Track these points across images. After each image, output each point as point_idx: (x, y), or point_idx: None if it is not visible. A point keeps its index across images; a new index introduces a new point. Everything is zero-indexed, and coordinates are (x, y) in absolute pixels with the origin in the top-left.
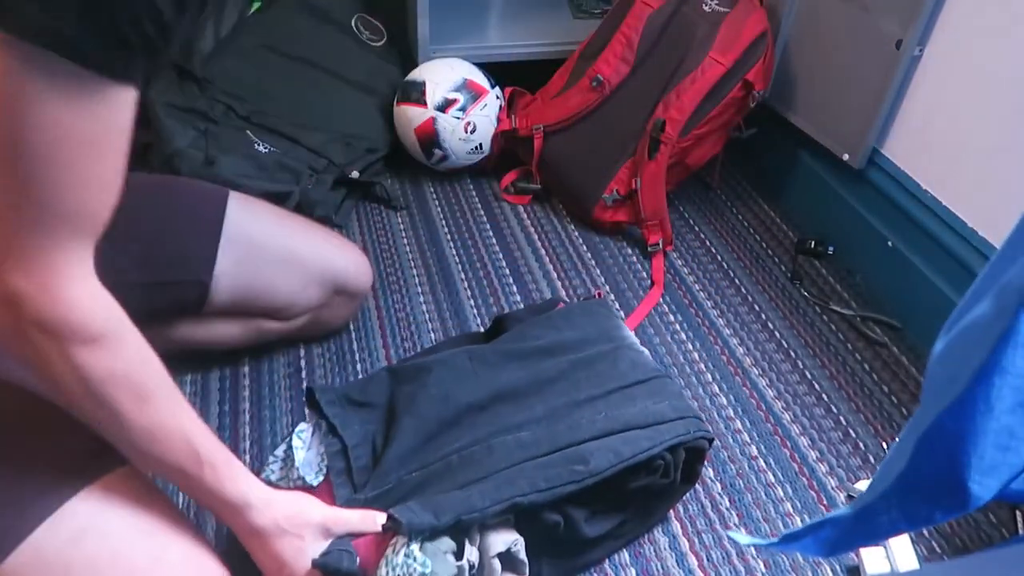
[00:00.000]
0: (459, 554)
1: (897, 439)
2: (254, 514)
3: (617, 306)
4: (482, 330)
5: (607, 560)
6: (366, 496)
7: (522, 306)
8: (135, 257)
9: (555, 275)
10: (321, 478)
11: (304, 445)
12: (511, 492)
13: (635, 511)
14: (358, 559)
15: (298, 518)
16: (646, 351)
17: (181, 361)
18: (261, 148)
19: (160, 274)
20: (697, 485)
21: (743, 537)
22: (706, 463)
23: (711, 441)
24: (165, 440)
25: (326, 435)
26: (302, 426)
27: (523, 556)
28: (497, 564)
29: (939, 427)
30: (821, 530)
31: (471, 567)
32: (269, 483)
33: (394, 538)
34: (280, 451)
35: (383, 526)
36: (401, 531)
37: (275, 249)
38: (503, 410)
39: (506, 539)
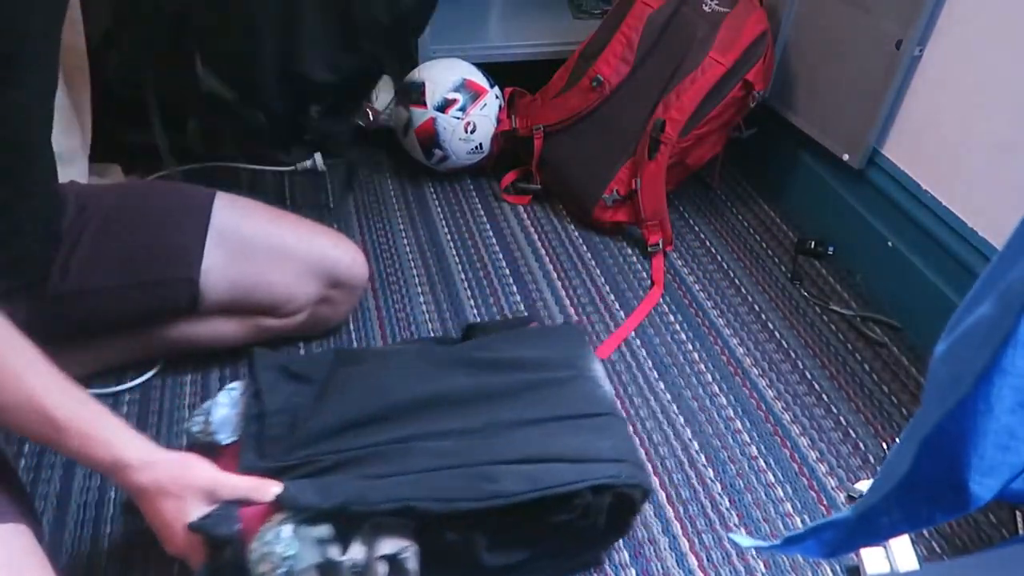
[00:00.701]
0: (344, 548)
1: (898, 440)
2: (133, 474)
3: (617, 306)
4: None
5: (607, 560)
6: (267, 466)
7: (522, 306)
8: (121, 260)
9: (555, 275)
10: (233, 439)
11: (229, 403)
12: (406, 494)
13: (548, 550)
14: (238, 527)
15: (182, 479)
16: (609, 387)
17: (181, 361)
18: None
19: (147, 274)
20: (697, 485)
21: (745, 539)
22: (705, 465)
23: (647, 493)
24: (14, 411)
25: (251, 398)
26: (234, 384)
27: (412, 565)
28: (382, 567)
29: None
30: (823, 532)
31: (353, 565)
32: (189, 435)
33: (276, 513)
34: (207, 405)
35: (275, 498)
36: (287, 506)
37: (267, 243)
38: (435, 415)
39: (398, 544)
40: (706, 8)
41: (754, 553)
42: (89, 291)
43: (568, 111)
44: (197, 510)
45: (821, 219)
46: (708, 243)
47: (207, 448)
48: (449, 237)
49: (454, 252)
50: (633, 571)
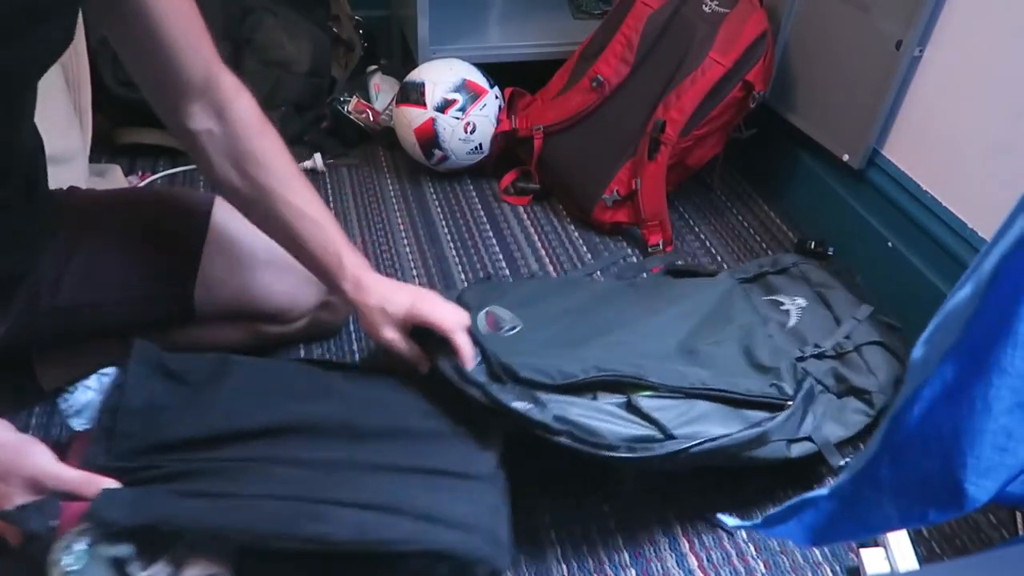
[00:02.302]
0: (147, 566)
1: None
2: None
3: None
4: None
5: (607, 560)
6: (110, 464)
7: None
8: (114, 276)
9: (555, 275)
10: (86, 427)
11: (96, 388)
12: (223, 521)
13: None
14: (54, 522)
15: (10, 464)
16: (492, 453)
17: None
18: None
19: (140, 289)
20: (698, 486)
21: (731, 520)
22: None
23: (495, 573)
24: None
25: (114, 389)
26: (109, 369)
27: None
28: None
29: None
30: (803, 512)
31: None
32: (59, 410)
33: (82, 521)
34: (77, 384)
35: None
36: (90, 518)
37: (267, 254)
38: (296, 440)
39: (208, 568)
40: (706, 8)
41: (754, 553)
42: (81, 306)
43: (568, 111)
44: (20, 497)
45: (821, 219)
46: (708, 243)
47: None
48: (449, 237)
49: (454, 252)
50: (633, 571)
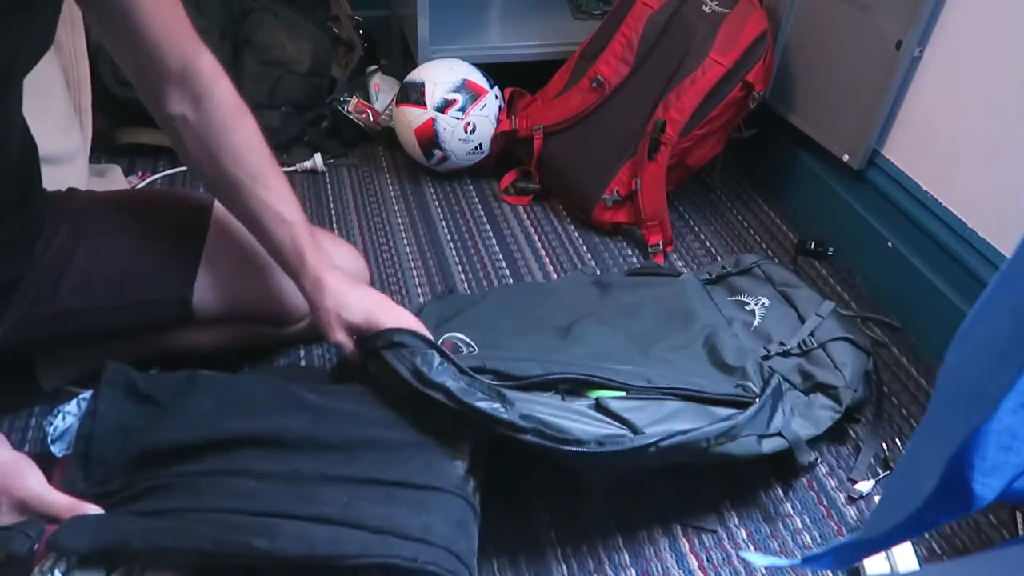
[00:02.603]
0: None
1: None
2: None
3: None
4: None
5: (607, 560)
6: (89, 488)
7: None
8: (113, 282)
9: (555, 276)
10: (66, 452)
11: (76, 414)
12: (172, 542)
13: None
14: (35, 546)
15: (0, 485)
16: (460, 463)
17: (181, 362)
18: None
19: (137, 294)
20: (697, 486)
21: (757, 557)
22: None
23: None
24: None
25: (87, 416)
26: (87, 393)
27: None
28: None
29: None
30: (841, 551)
31: None
32: (45, 434)
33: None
34: (59, 409)
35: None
36: (53, 546)
37: (266, 258)
38: (260, 453)
39: None
40: (706, 9)
41: (754, 553)
42: (80, 309)
43: (568, 111)
44: (6, 518)
45: (821, 219)
46: (708, 244)
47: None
48: (449, 237)
49: (454, 252)
50: (633, 571)
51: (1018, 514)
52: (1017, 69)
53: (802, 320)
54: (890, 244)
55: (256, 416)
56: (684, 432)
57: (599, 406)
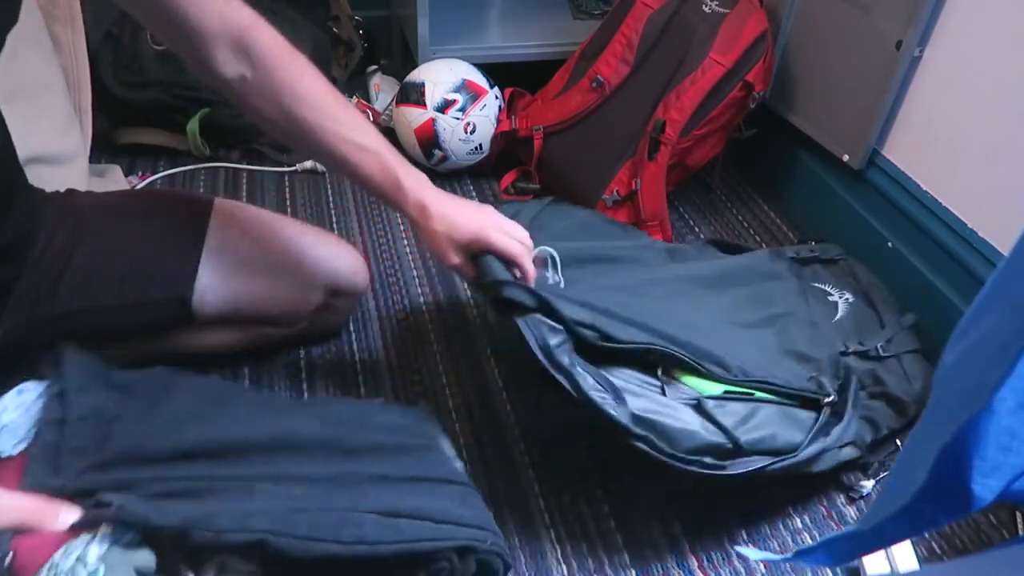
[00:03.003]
0: None
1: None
2: None
3: None
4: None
5: (607, 560)
6: (62, 484)
7: None
8: (112, 283)
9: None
10: (19, 449)
11: (20, 406)
12: (263, 525)
13: None
14: (9, 557)
15: None
16: (461, 466)
17: (181, 363)
18: None
19: (137, 294)
20: (697, 486)
21: (753, 552)
22: None
23: (508, 567)
24: None
25: (52, 400)
26: (26, 385)
27: None
28: None
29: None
30: (834, 544)
31: None
32: None
33: (75, 537)
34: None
35: (77, 521)
36: (106, 516)
37: (266, 259)
38: (279, 458)
39: None
40: (706, 9)
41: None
42: (79, 311)
43: (568, 111)
44: None
45: (821, 219)
46: None
47: None
48: None
49: None
50: (633, 571)
51: (1018, 514)
52: (1017, 69)
53: (882, 325)
54: (890, 244)
55: (263, 418)
56: (791, 456)
57: (699, 407)
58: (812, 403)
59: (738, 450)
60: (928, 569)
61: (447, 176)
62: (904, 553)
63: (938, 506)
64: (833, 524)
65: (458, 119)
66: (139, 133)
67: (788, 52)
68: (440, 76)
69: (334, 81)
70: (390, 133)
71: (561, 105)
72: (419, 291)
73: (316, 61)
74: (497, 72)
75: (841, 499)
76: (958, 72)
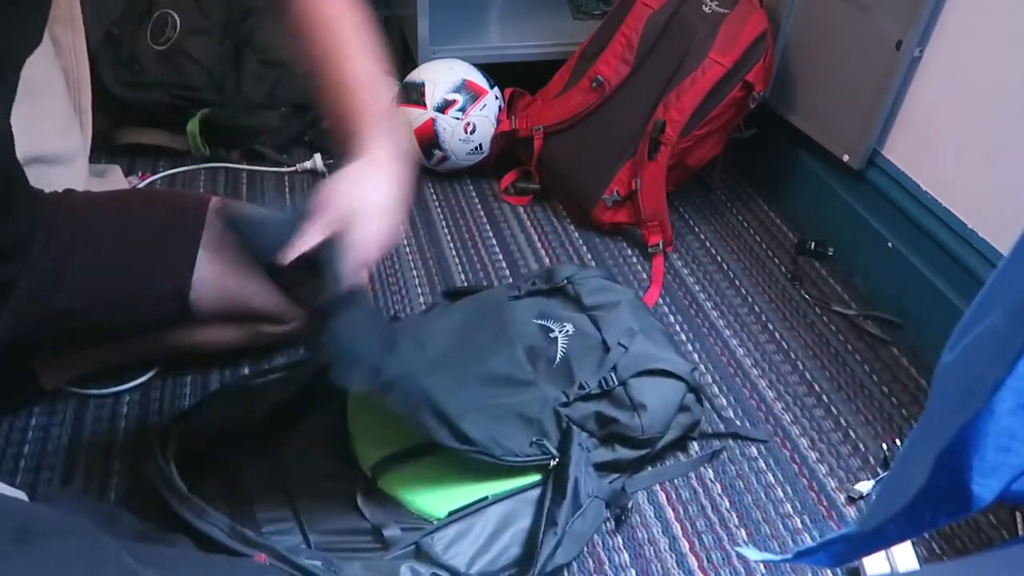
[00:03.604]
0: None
1: (903, 450)
2: None
3: None
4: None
5: (607, 560)
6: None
7: None
8: (110, 280)
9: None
10: None
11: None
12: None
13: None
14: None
15: None
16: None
17: (181, 362)
18: None
19: (135, 288)
20: (697, 486)
21: (754, 553)
22: (706, 465)
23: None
24: None
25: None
26: None
27: None
28: None
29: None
30: (834, 545)
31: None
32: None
33: None
34: None
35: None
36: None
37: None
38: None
39: None
40: (706, 9)
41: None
42: (79, 309)
43: (568, 111)
44: None
45: (821, 220)
46: (708, 244)
47: None
48: (449, 237)
49: (454, 252)
50: (633, 572)
51: (1018, 514)
52: (1017, 69)
53: (607, 348)
54: (890, 244)
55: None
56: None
57: (420, 551)
58: (542, 469)
59: None
60: (928, 569)
61: (447, 176)
62: (904, 553)
63: (938, 507)
64: (833, 524)
65: (458, 119)
66: (139, 133)
67: (788, 52)
68: (440, 76)
69: None
70: None
71: (561, 105)
72: (419, 291)
73: None
74: (497, 72)
75: (841, 499)
76: (958, 72)
